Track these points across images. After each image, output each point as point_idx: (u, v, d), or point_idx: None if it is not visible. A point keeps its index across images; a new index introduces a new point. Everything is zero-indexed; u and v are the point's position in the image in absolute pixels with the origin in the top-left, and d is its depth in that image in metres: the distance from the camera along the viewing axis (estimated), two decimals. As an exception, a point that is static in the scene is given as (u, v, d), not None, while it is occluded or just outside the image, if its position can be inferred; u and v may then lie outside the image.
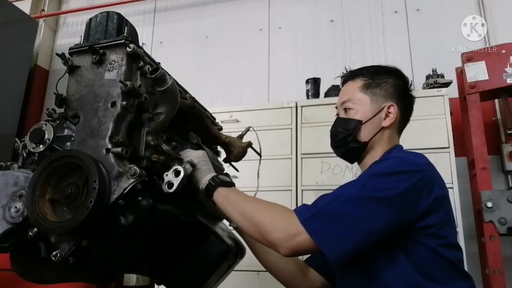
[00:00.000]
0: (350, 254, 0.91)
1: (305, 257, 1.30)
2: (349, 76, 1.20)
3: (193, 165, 1.01)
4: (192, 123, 1.21)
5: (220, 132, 1.35)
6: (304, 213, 0.94)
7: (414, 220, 0.94)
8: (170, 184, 0.94)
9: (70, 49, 1.05)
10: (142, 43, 1.75)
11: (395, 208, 0.91)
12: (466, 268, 1.06)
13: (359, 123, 1.12)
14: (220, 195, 1.02)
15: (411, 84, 1.19)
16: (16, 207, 0.90)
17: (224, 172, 1.31)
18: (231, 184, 1.05)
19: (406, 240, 0.96)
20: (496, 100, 2.50)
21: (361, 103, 1.13)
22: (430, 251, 0.95)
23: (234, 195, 1.02)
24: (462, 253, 1.04)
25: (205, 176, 1.04)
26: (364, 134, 1.12)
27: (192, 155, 1.05)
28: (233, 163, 1.34)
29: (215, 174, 1.06)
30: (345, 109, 1.16)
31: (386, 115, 1.12)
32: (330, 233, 0.90)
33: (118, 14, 1.09)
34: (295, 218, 0.93)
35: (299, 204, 1.98)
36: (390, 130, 1.13)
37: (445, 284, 0.95)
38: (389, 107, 1.12)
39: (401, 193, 0.92)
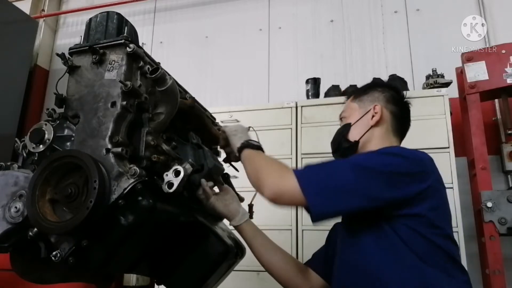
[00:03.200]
0: (331, 215, 0.99)
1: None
2: (348, 96, 1.34)
3: (193, 165, 1.01)
4: (192, 123, 1.21)
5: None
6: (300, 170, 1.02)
7: (404, 201, 0.97)
8: (170, 184, 0.94)
9: (70, 49, 1.04)
10: (142, 43, 1.75)
11: (385, 182, 0.96)
12: (466, 268, 1.06)
13: (348, 126, 1.22)
14: (244, 154, 1.16)
15: (403, 94, 1.26)
16: (16, 207, 0.91)
17: (224, 172, 1.31)
18: (259, 148, 1.18)
19: (401, 228, 0.98)
20: (496, 100, 2.51)
21: (351, 110, 1.26)
22: (427, 240, 0.97)
23: (256, 154, 1.15)
24: (458, 249, 1.07)
25: (240, 140, 1.19)
26: (353, 134, 1.20)
27: (229, 126, 1.25)
28: (233, 163, 1.34)
29: (249, 138, 1.20)
30: (341, 119, 1.29)
31: (373, 115, 1.19)
32: (317, 185, 0.97)
33: (118, 14, 1.09)
34: (291, 170, 1.01)
35: (299, 207, 1.97)
36: (381, 129, 1.19)
37: (444, 272, 0.97)
38: (374, 107, 1.20)
39: (398, 172, 0.97)
